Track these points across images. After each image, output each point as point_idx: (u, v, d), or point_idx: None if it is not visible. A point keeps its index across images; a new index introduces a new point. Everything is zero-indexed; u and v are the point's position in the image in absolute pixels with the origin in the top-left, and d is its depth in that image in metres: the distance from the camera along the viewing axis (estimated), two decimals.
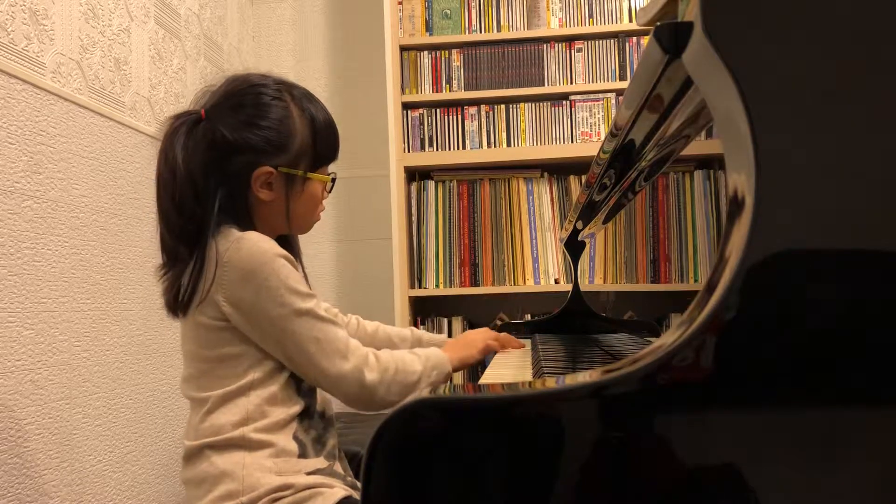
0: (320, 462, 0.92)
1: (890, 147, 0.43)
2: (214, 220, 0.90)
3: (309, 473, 0.88)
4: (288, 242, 1.03)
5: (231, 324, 0.89)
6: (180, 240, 0.91)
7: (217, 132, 0.91)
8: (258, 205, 0.94)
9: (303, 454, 0.90)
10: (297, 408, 0.92)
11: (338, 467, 0.96)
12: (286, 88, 0.96)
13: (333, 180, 1.00)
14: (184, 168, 0.89)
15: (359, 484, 0.97)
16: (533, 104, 2.29)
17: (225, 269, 0.87)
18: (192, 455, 0.90)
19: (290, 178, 0.94)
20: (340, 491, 0.88)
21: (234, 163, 0.91)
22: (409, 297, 2.23)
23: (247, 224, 0.92)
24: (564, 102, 2.28)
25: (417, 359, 0.95)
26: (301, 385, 0.94)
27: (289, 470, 0.87)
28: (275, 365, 0.91)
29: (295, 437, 0.90)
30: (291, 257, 0.90)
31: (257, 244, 0.87)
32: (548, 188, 2.28)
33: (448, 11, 2.33)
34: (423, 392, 0.47)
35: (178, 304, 0.91)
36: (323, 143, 0.96)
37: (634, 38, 2.27)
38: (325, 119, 0.97)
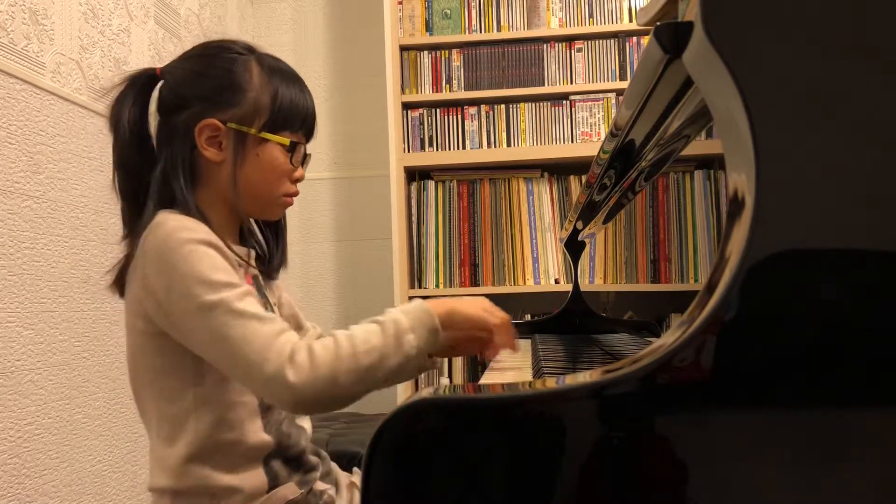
0: (290, 489, 0.83)
1: (890, 147, 0.43)
2: (157, 187, 0.82)
3: None
4: (271, 231, 0.94)
5: (157, 325, 0.78)
6: (133, 206, 0.84)
7: (166, 88, 0.85)
8: (207, 168, 0.84)
9: (274, 484, 0.82)
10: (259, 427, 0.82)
11: (319, 484, 0.89)
12: (252, 49, 0.87)
13: (293, 145, 0.86)
14: (129, 126, 0.83)
15: (340, 485, 0.94)
16: (533, 104, 2.29)
17: (143, 256, 0.78)
18: (156, 501, 0.82)
19: (241, 138, 0.83)
20: None
21: (181, 117, 0.83)
22: (409, 297, 2.23)
23: (190, 191, 0.82)
24: (564, 102, 2.28)
25: (378, 329, 0.76)
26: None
27: None
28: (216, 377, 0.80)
29: (267, 467, 0.82)
30: (218, 243, 0.78)
31: (171, 228, 0.76)
32: (548, 188, 2.28)
33: (448, 11, 2.33)
34: (422, 393, 0.47)
35: (121, 279, 0.84)
36: (285, 103, 0.85)
37: (634, 38, 2.27)
38: (292, 79, 0.87)
